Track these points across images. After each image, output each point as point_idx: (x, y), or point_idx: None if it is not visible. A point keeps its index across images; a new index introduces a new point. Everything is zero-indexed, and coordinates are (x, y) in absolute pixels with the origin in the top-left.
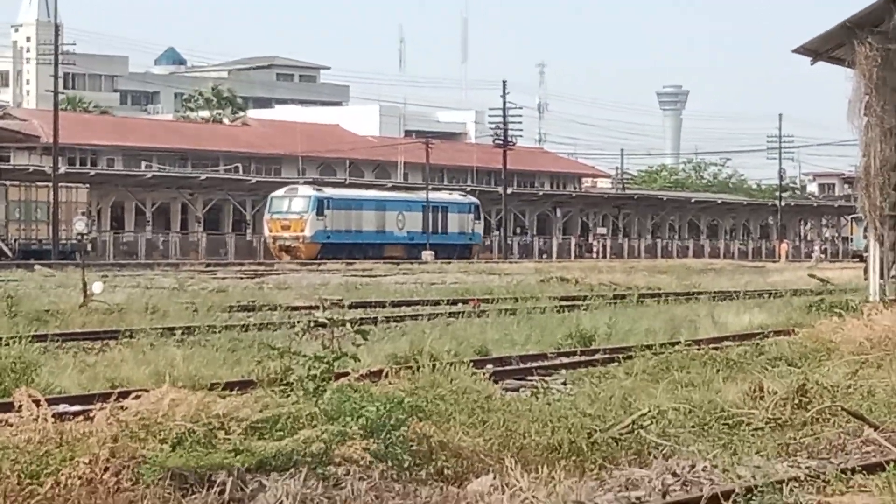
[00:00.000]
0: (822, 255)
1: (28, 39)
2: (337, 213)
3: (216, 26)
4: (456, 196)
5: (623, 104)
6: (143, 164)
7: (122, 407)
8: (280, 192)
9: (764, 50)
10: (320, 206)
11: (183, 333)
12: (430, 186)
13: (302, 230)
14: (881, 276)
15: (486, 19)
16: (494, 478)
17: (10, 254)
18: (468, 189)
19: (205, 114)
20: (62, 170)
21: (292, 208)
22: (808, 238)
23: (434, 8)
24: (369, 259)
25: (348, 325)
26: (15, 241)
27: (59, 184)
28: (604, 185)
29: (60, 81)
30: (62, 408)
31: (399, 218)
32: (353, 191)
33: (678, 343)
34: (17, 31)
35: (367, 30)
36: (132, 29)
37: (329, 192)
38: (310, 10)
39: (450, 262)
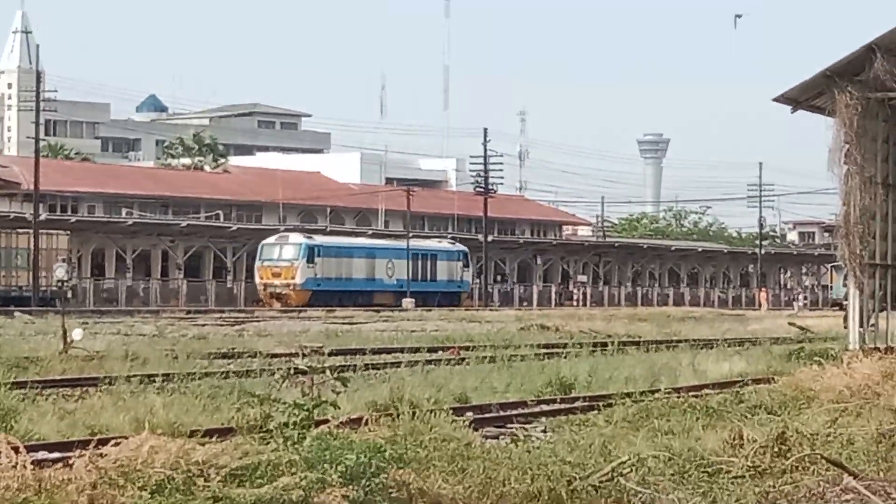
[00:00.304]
0: (805, 303)
1: (9, 86)
2: (327, 261)
3: (197, 73)
4: (445, 244)
5: (604, 152)
6: (124, 210)
7: (101, 454)
8: (271, 239)
9: (744, 98)
10: (311, 253)
11: (163, 380)
12: (415, 234)
13: (293, 277)
14: (861, 325)
15: (468, 67)
16: None
17: None
18: (449, 237)
19: (186, 161)
20: (43, 216)
21: (283, 255)
22: (788, 286)
23: (415, 55)
24: (359, 307)
25: (328, 372)
26: None
27: (40, 230)
28: (584, 232)
29: (42, 128)
30: (41, 455)
31: (389, 266)
32: (344, 238)
33: (658, 391)
34: None
35: (349, 77)
36: (114, 76)
37: (320, 239)
38: (291, 57)
39: (430, 310)
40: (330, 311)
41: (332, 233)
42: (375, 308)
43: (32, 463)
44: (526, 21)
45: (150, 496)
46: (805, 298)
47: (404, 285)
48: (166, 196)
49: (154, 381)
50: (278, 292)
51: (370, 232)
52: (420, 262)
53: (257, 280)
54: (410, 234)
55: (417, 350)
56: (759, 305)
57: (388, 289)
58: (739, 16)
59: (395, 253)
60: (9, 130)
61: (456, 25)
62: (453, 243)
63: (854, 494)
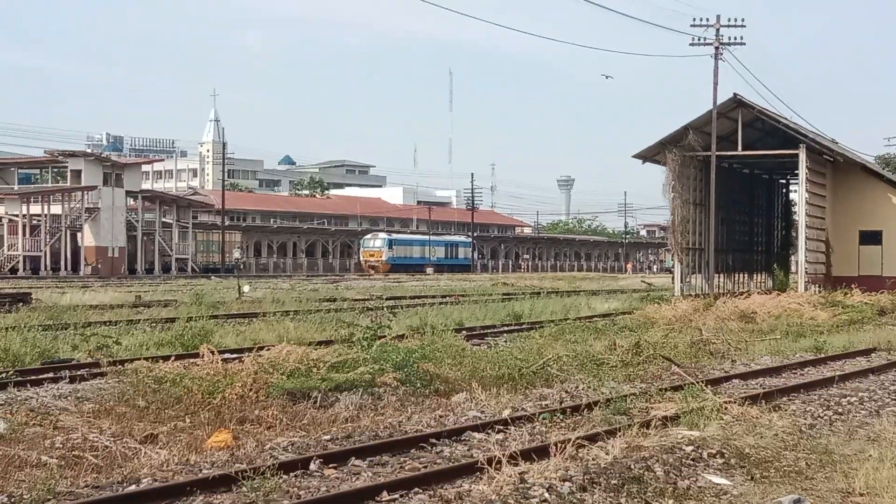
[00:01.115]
0: (655, 270)
1: (207, 151)
2: (399, 247)
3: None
4: (462, 237)
5: (538, 185)
6: (272, 220)
7: (259, 355)
8: (368, 235)
9: (616, 152)
10: (391, 243)
11: (293, 314)
12: (445, 233)
13: (381, 257)
14: (681, 281)
15: (463, 138)
16: (466, 394)
17: (197, 269)
18: (463, 235)
19: (306, 192)
20: (227, 223)
21: (375, 245)
22: (643, 261)
23: (433, 132)
24: (415, 273)
25: (385, 308)
26: (199, 263)
27: (225, 230)
28: (527, 231)
29: (225, 174)
30: (226, 356)
31: (432, 250)
32: (408, 235)
33: (568, 319)
34: (201, 145)
35: (396, 143)
36: (263, 141)
37: (395, 235)
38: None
39: (443, 274)
40: (397, 276)
41: (399, 231)
42: (423, 274)
43: (222, 360)
44: (495, 112)
45: (286, 378)
46: (657, 267)
47: (441, 261)
48: (295, 211)
49: (288, 315)
50: (372, 265)
51: (409, 230)
52: (449, 248)
53: (361, 258)
54: (442, 233)
55: (434, 297)
56: (627, 271)
57: (432, 263)
58: (608, 76)
59: (436, 243)
60: (207, 175)
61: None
62: (467, 236)
63: (677, 376)
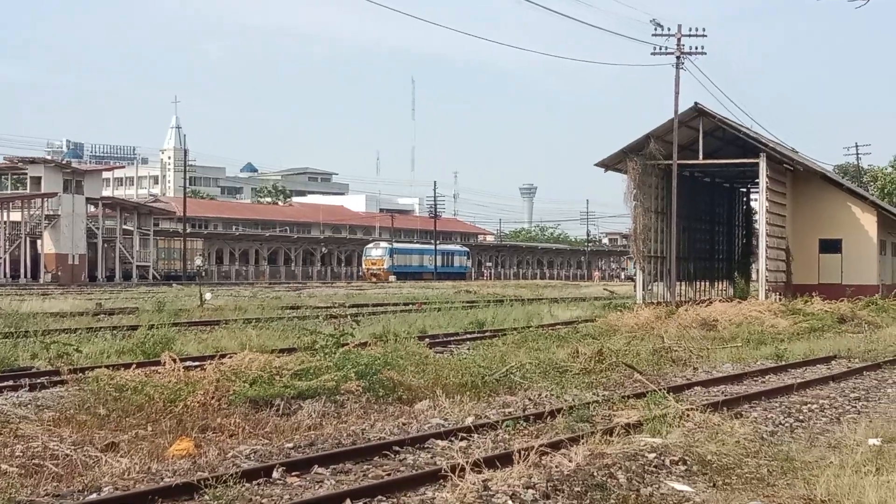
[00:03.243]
0: (625, 278)
1: (169, 157)
2: (399, 256)
3: (274, 148)
4: (457, 246)
5: (501, 193)
6: (234, 227)
7: (221, 363)
8: (370, 245)
9: (579, 161)
10: (392, 252)
11: (255, 321)
12: (442, 242)
13: (383, 265)
14: (643, 289)
15: (426, 146)
16: (429, 402)
17: (159, 277)
18: (382, 240)
19: (268, 200)
20: (188, 230)
21: (377, 254)
22: (610, 268)
23: (396, 140)
24: (417, 279)
25: (349, 316)
26: (161, 270)
27: (187, 238)
28: (490, 238)
29: (187, 181)
30: (188, 363)
31: (429, 258)
32: (408, 244)
33: (531, 326)
34: (163, 152)
35: (358, 151)
36: (225, 148)
37: (396, 245)
38: (326, 137)
39: (406, 281)
40: (349, 283)
41: (402, 241)
42: (422, 280)
43: (183, 368)
44: (458, 120)
45: (249, 386)
46: (623, 275)
47: (437, 269)
48: (257, 219)
49: (251, 322)
50: (374, 273)
51: (412, 240)
52: (446, 257)
53: (364, 267)
54: (443, 242)
55: (397, 304)
56: (594, 279)
57: (430, 271)
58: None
59: (432, 251)
60: (168, 182)
61: (419, 122)
62: (462, 245)
63: (640, 383)
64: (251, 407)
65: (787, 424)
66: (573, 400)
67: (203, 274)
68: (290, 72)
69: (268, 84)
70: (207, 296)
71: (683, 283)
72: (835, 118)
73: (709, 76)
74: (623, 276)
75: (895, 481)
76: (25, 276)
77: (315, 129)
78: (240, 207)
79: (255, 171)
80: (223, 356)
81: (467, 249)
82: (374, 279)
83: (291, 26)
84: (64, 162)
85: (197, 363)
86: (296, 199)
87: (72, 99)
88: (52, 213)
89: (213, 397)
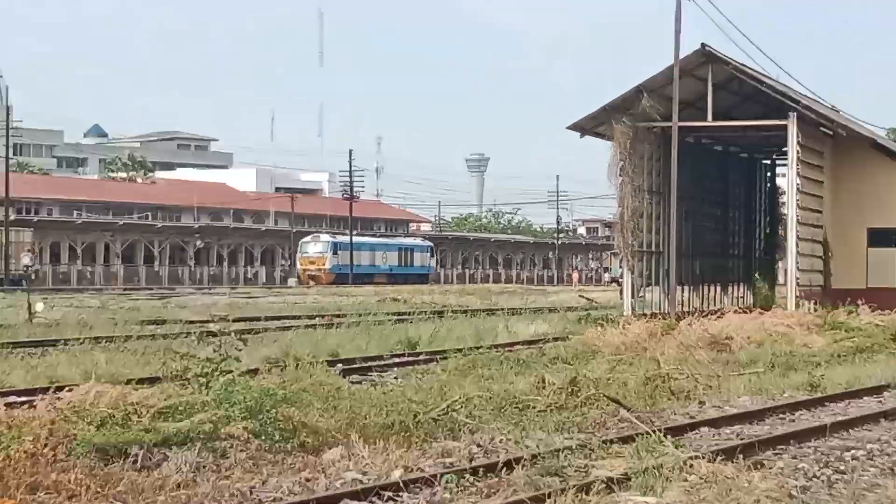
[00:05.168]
0: (610, 281)
1: None
2: (345, 252)
3: (132, 104)
4: (418, 241)
5: (440, 167)
6: (75, 213)
7: (58, 398)
8: (307, 238)
9: (546, 123)
10: (335, 247)
11: (105, 341)
12: (399, 234)
13: (324, 265)
14: (632, 296)
15: (338, 103)
16: (343, 449)
17: None
18: (324, 232)
19: (123, 175)
20: (12, 217)
21: (317, 250)
22: (581, 268)
23: (298, 94)
24: (366, 284)
25: (232, 334)
26: None
27: (10, 228)
28: (426, 227)
29: (10, 150)
30: (11, 399)
31: (382, 256)
32: (357, 238)
33: (481, 347)
34: None
35: (247, 109)
36: (68, 108)
37: (340, 238)
38: (201, 90)
39: (310, 286)
40: (233, 289)
41: (345, 234)
42: (268, 286)
43: (4, 405)
44: (381, 71)
45: (96, 429)
46: (608, 277)
47: (394, 269)
48: (108, 202)
49: (99, 342)
50: (313, 274)
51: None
52: (404, 253)
53: (298, 266)
54: (401, 234)
55: (300, 317)
56: (574, 284)
57: (383, 272)
58: None
59: (388, 247)
60: None
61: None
62: (424, 240)
63: (628, 423)
64: (99, 458)
65: (823, 477)
66: (537, 446)
67: (33, 277)
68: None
69: (122, 20)
70: (39, 306)
71: (686, 287)
72: (890, 66)
73: (721, 10)
74: (608, 279)
75: None
76: None
77: (187, 79)
78: (84, 185)
79: (105, 135)
80: (61, 388)
81: (430, 244)
82: (311, 282)
83: None
84: None
85: (25, 398)
86: (161, 175)
87: None
88: None
89: (46, 445)
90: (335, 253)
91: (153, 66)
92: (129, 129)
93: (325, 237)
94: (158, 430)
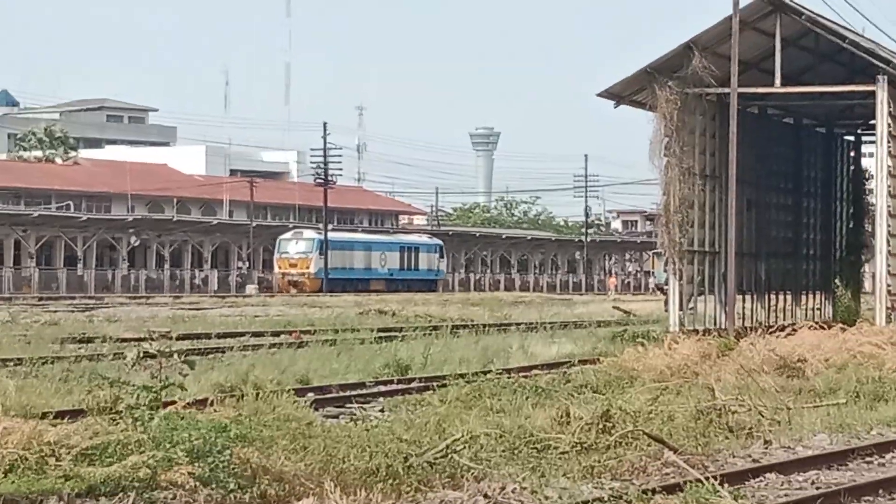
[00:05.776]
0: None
1: None
2: (335, 253)
3: (48, 69)
4: (424, 238)
5: (438, 145)
6: None
7: None
8: (287, 235)
9: (571, 92)
10: (322, 245)
11: (15, 364)
12: (401, 230)
13: (308, 268)
14: (680, 308)
15: (309, 63)
16: (315, 501)
17: None
18: (291, 226)
19: (38, 153)
20: None
21: (299, 249)
22: (614, 272)
23: (258, 53)
24: (360, 292)
25: (176, 356)
26: None
27: None
28: (420, 221)
29: None
30: None
31: (379, 258)
32: (348, 235)
33: (490, 372)
34: None
35: (194, 73)
36: None
37: (332, 235)
38: (136, 53)
39: (273, 297)
40: (177, 298)
41: (337, 229)
42: (221, 294)
43: None
44: (362, 20)
45: (2, 476)
46: (653, 283)
47: (394, 273)
48: (18, 187)
49: (7, 366)
50: (294, 280)
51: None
52: (407, 254)
53: (276, 270)
54: (403, 231)
55: (261, 334)
56: (609, 291)
57: (382, 277)
58: None
59: (387, 246)
60: None
61: (297, 23)
62: (431, 238)
63: (674, 468)
64: None
65: None
66: (560, 497)
67: None
68: None
69: None
70: None
71: (749, 296)
72: None
73: None
74: (652, 286)
75: None
76: None
77: (117, 34)
78: None
79: (16, 104)
80: None
81: (439, 243)
82: (292, 289)
83: None
84: None
85: None
86: (86, 154)
87: None
88: None
89: None
90: (321, 254)
91: (80, 22)
92: (47, 96)
93: (310, 233)
94: (82, 476)
